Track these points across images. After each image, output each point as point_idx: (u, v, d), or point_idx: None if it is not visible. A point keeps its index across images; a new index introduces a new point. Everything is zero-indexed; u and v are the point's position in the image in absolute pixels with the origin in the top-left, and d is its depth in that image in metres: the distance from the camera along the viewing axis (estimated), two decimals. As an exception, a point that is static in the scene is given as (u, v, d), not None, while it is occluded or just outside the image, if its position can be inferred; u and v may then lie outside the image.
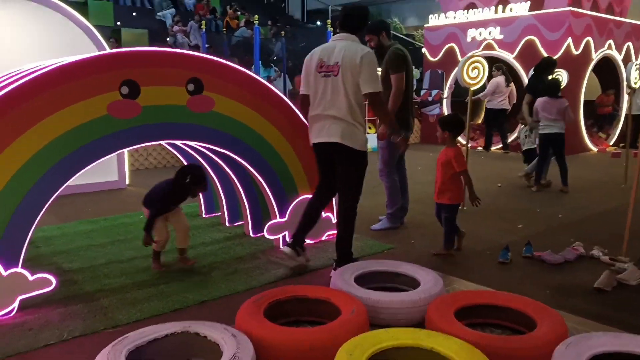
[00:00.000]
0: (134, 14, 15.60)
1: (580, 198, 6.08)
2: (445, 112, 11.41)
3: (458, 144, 4.21)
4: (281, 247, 3.81)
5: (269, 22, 15.97)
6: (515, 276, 3.58)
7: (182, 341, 2.33)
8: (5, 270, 2.82)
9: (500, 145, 10.32)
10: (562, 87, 7.95)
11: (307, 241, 4.15)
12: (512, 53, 10.02)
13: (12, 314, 2.86)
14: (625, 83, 7.20)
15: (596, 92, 11.24)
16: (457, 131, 4.05)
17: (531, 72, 7.12)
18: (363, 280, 3.10)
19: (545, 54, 9.46)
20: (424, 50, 11.76)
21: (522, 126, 6.71)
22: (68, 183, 6.03)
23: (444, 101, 11.34)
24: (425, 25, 11.77)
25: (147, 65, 3.25)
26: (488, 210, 5.50)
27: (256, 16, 9.16)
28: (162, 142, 3.80)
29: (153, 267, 3.66)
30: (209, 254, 3.94)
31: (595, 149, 10.27)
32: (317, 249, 4.04)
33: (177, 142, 3.88)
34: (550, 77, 6.67)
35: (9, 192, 2.84)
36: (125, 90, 3.16)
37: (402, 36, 17.65)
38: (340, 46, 3.35)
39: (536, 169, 6.43)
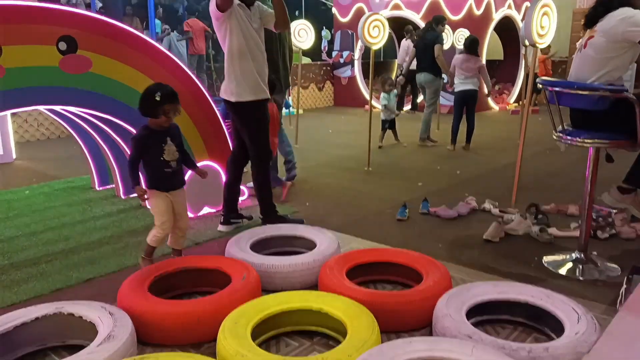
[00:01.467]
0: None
1: (480, 155, 6.35)
2: (357, 73, 11.46)
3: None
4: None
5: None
6: (412, 232, 3.67)
7: (54, 323, 2.15)
8: None
9: (410, 107, 10.56)
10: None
11: (208, 210, 4.02)
12: (418, 13, 10.16)
13: None
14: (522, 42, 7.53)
15: (498, 52, 11.72)
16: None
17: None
18: (260, 246, 3.04)
19: (449, 15, 9.69)
20: (334, 10, 11.65)
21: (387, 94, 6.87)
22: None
23: (356, 62, 11.36)
24: (335, -15, 11.64)
25: (10, 21, 2.90)
26: (392, 170, 5.61)
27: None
28: (39, 108, 3.46)
29: (141, 265, 2.87)
30: (100, 229, 3.70)
31: (496, 107, 10.77)
32: (218, 217, 3.91)
33: (56, 108, 3.54)
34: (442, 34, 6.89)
35: None
36: (-18, 50, 2.81)
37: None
38: None
39: (453, 127, 6.60)
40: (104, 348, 1.89)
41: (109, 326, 2.02)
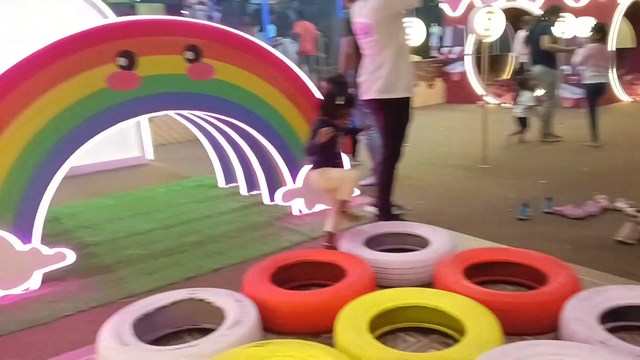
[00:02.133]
0: (151, -12, 15.56)
1: (610, 150, 5.84)
2: (469, 69, 11.07)
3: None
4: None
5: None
6: (535, 232, 3.48)
7: (188, 307, 2.36)
8: (23, 245, 2.90)
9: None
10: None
11: (322, 206, 4.14)
12: (535, 2, 9.56)
13: (34, 288, 2.95)
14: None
15: (628, 40, 10.67)
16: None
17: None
18: (374, 242, 3.07)
19: (571, 2, 9.03)
20: (443, 5, 11.35)
21: (528, 92, 6.43)
22: (92, 161, 6.21)
23: (467, 58, 10.98)
24: (445, -21, 11.35)
25: (143, 34, 3.21)
26: (510, 167, 5.36)
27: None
28: (170, 113, 3.79)
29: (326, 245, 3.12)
30: (225, 223, 3.97)
31: (627, 99, 9.81)
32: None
33: (184, 113, 3.86)
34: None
35: (17, 171, 2.89)
36: (122, 61, 3.14)
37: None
38: None
39: (590, 123, 6.16)
40: (232, 332, 2.04)
41: (236, 312, 2.17)
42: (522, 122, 6.56)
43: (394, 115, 3.54)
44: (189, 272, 3.10)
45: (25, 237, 2.94)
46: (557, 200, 3.91)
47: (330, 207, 3.25)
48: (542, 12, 6.73)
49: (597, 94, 6.05)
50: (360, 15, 3.53)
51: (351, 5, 4.71)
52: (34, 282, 2.96)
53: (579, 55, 6.05)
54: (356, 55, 4.57)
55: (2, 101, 2.82)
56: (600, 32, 6.05)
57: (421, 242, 3.01)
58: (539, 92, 6.48)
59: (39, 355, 2.30)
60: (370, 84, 3.51)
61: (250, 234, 3.69)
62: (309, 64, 10.83)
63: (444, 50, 11.45)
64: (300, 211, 4.05)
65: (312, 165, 3.21)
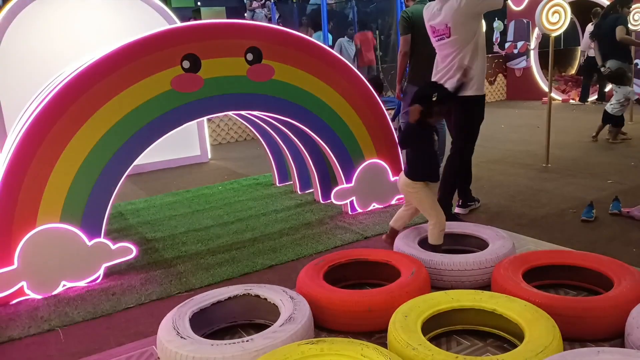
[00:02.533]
0: (213, -8, 16.04)
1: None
2: (533, 64, 10.67)
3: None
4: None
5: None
6: (600, 235, 3.31)
7: (243, 303, 2.41)
8: (90, 240, 3.07)
9: (596, 97, 9.50)
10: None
11: (376, 205, 4.12)
12: (607, -7, 9.08)
13: (98, 280, 3.11)
14: None
15: None
16: None
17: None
18: (428, 243, 3.02)
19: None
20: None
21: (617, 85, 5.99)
22: (155, 159, 6.47)
23: (531, 53, 10.59)
24: (508, -28, 10.98)
25: (206, 38, 3.31)
26: (575, 166, 5.12)
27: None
28: (229, 114, 3.88)
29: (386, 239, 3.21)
30: (280, 221, 4.03)
31: None
32: (385, 213, 3.98)
33: (243, 113, 3.94)
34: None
35: (87, 169, 3.06)
36: (186, 64, 3.25)
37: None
38: None
39: None
40: (285, 328, 2.06)
41: (290, 309, 2.20)
42: (619, 119, 6.09)
43: (469, 112, 3.63)
44: (245, 268, 3.17)
45: (93, 232, 3.10)
46: (625, 201, 3.70)
47: (405, 205, 3.18)
48: (610, 4, 6.34)
49: None
50: (436, 16, 3.62)
51: (412, 4, 4.75)
52: (99, 275, 3.12)
53: None
54: (411, 53, 4.59)
55: (75, 103, 2.98)
56: None
57: (479, 244, 2.94)
58: (609, 86, 6.11)
59: (101, 346, 2.42)
60: (447, 83, 3.50)
61: (304, 232, 3.73)
62: (369, 73, 10.75)
63: (507, 44, 11.08)
64: (353, 210, 4.04)
65: (405, 169, 3.04)
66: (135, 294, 2.93)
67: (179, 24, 5.78)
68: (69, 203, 3.03)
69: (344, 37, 10.62)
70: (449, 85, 3.41)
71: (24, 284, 2.91)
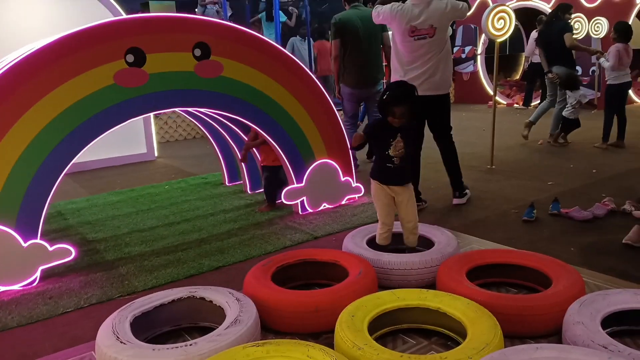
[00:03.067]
0: (163, -14, 15.63)
1: (620, 153, 5.77)
2: (480, 69, 11.00)
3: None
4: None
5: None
6: (540, 235, 3.43)
7: (188, 306, 2.34)
8: (25, 241, 2.91)
9: (539, 102, 9.89)
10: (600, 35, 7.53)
11: (327, 205, 4.11)
12: (549, 2, 9.47)
13: (34, 284, 2.96)
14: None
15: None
16: None
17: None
18: (376, 243, 3.04)
19: (584, 3, 8.93)
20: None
21: (570, 90, 6.23)
22: (99, 157, 6.24)
23: (478, 58, 10.91)
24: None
25: (152, 31, 3.20)
26: (518, 168, 5.30)
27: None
28: (177, 110, 3.78)
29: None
30: (228, 221, 3.96)
31: (641, 101, 9.70)
32: (335, 213, 3.99)
33: (190, 110, 3.85)
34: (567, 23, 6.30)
35: (22, 166, 2.90)
36: (130, 58, 3.14)
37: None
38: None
39: (607, 124, 6.09)
40: (231, 331, 2.02)
41: (236, 311, 2.16)
42: (575, 122, 6.31)
43: (447, 108, 4.02)
44: (191, 270, 3.09)
45: (28, 232, 2.94)
46: (564, 202, 3.86)
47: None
48: (552, 11, 6.59)
49: (622, 94, 6.01)
50: (418, 17, 3.76)
51: (348, 7, 5.02)
52: (35, 278, 2.96)
53: (611, 55, 5.95)
54: (342, 56, 5.18)
55: (10, 97, 2.82)
56: (625, 32, 5.97)
57: (425, 243, 2.98)
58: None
59: (36, 352, 2.29)
60: (426, 82, 3.81)
61: (253, 233, 3.68)
62: (327, 84, 10.72)
63: (455, 49, 11.37)
64: (304, 210, 4.03)
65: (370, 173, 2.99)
66: (74, 298, 2.80)
67: (125, 16, 5.61)
68: (3, 202, 2.86)
69: (296, 36, 10.57)
70: (430, 84, 3.79)
71: (-50, 288, 2.73)
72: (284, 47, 6.85)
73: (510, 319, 2.12)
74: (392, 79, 3.97)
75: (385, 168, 2.85)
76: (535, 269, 2.52)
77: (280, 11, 10.16)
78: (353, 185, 4.24)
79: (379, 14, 3.94)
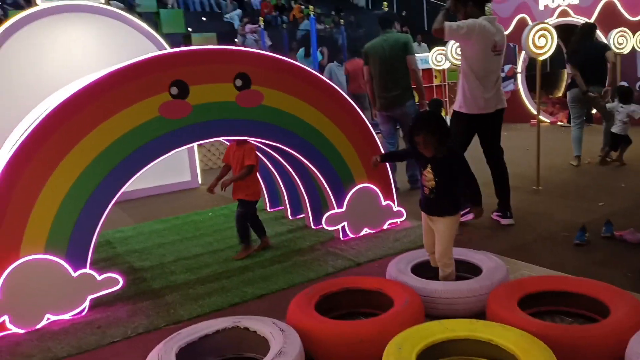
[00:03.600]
0: (204, 18, 16.17)
1: (675, 169, 5.50)
2: (520, 87, 10.79)
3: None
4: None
5: (332, 12, 15.95)
6: (593, 259, 3.28)
7: (232, 336, 2.34)
8: (75, 271, 2.99)
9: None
10: None
11: (368, 230, 4.07)
12: (590, 18, 9.25)
13: (83, 313, 3.03)
14: None
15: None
16: None
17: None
18: (421, 269, 2.97)
19: (628, 16, 8.68)
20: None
21: (621, 105, 6.00)
22: (144, 185, 6.40)
23: (518, 76, 10.72)
24: (493, -3, 11.17)
25: (194, 63, 3.30)
26: (566, 188, 5.12)
27: (311, 7, 9.15)
28: (220, 138, 3.85)
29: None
30: (271, 248, 3.97)
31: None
32: (377, 238, 3.94)
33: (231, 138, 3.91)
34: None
35: (73, 198, 2.99)
36: (174, 90, 3.23)
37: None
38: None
39: None
40: (275, 363, 1.99)
41: (280, 342, 2.13)
42: (624, 139, 6.03)
43: (501, 123, 4.17)
44: (235, 298, 3.10)
45: (78, 262, 3.02)
46: (617, 223, 3.69)
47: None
48: (582, 28, 6.34)
49: None
50: (498, 33, 3.94)
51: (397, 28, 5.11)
52: (84, 307, 3.03)
53: None
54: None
55: (62, 130, 2.94)
56: None
57: (472, 270, 2.90)
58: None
59: (87, 382, 2.33)
60: (496, 96, 4.01)
61: (295, 259, 3.67)
62: (361, 102, 10.80)
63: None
64: (345, 236, 4.00)
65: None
66: (121, 327, 2.84)
67: (168, 49, 5.81)
68: (54, 233, 2.96)
69: (333, 62, 10.69)
70: (498, 98, 4.04)
71: (5, 318, 2.82)
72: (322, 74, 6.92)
73: (567, 351, 2.01)
74: (464, 100, 4.03)
75: (422, 194, 2.85)
76: (591, 297, 2.39)
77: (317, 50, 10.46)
78: (394, 210, 4.19)
79: (458, 29, 3.78)
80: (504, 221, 4.09)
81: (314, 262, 3.58)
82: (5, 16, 10.75)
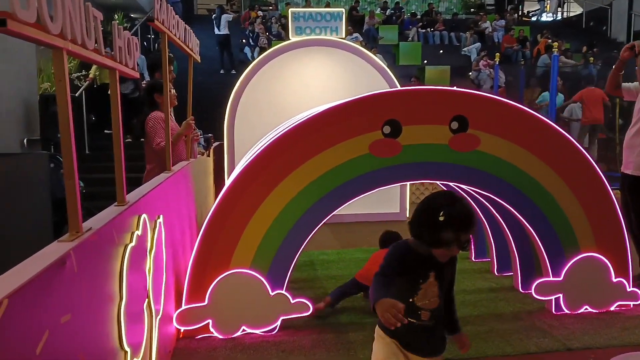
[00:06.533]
0: (441, 51, 16.30)
1: None
2: None
3: None
4: None
5: (584, 48, 14.43)
6: None
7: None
8: (272, 290, 3.16)
9: None
10: None
11: (589, 309, 3.44)
12: None
13: (274, 332, 3.17)
14: None
15: None
16: None
17: None
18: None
19: None
20: None
21: None
22: (354, 211, 6.60)
23: None
24: None
25: (411, 104, 3.23)
26: None
27: (555, 43, 8.35)
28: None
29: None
30: (467, 305, 3.63)
31: None
32: (600, 320, 3.29)
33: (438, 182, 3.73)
34: None
35: (281, 220, 3.18)
36: (387, 129, 3.20)
37: None
38: None
39: None
40: None
41: None
42: None
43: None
44: (417, 355, 2.89)
45: (277, 282, 3.18)
46: None
47: None
48: None
49: None
50: None
51: None
52: (275, 326, 3.18)
53: None
54: None
55: (281, 158, 3.16)
56: None
57: None
58: None
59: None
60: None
61: (492, 326, 3.27)
62: (594, 134, 9.62)
63: None
64: (558, 310, 3.43)
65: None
66: (302, 357, 2.89)
67: (398, 87, 5.93)
68: (261, 251, 3.17)
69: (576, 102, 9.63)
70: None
71: (210, 321, 3.11)
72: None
73: None
74: None
75: (407, 323, 1.79)
76: None
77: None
78: (628, 290, 3.47)
79: (629, 90, 4.01)
80: None
81: (514, 334, 3.14)
82: (269, 45, 12.55)
